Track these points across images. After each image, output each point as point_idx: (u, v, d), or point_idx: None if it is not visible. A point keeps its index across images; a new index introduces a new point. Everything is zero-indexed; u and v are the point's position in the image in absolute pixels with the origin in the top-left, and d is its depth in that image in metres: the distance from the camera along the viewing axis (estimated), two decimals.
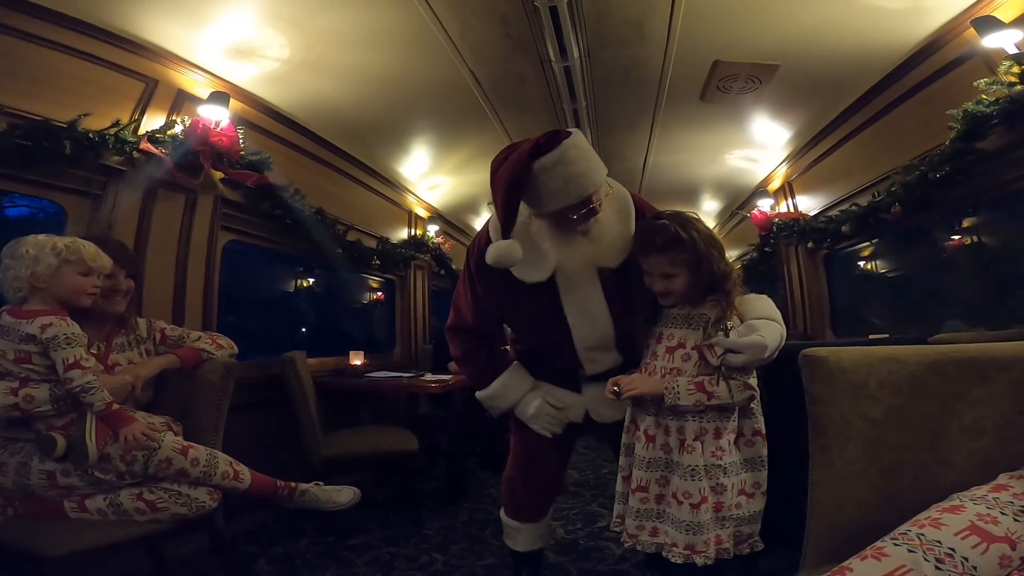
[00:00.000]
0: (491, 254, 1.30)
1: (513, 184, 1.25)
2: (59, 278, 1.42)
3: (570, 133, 1.28)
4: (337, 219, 3.27)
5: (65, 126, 1.83)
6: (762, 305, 1.35)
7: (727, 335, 1.24)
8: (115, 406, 1.41)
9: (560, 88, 2.93)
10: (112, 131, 1.97)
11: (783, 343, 1.27)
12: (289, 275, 3.91)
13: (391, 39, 2.41)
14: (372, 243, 3.77)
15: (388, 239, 4.01)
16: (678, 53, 2.67)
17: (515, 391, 1.61)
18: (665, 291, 1.35)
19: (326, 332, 4.30)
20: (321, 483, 1.74)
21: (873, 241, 3.43)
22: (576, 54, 2.58)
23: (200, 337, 1.78)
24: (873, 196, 2.90)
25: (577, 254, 1.38)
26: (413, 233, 4.47)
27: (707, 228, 1.38)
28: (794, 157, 3.88)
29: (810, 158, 3.69)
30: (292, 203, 2.78)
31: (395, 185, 4.18)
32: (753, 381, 1.29)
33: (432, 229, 4.66)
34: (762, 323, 1.26)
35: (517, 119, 3.33)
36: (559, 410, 1.58)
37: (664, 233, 1.31)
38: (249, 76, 2.57)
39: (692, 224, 1.34)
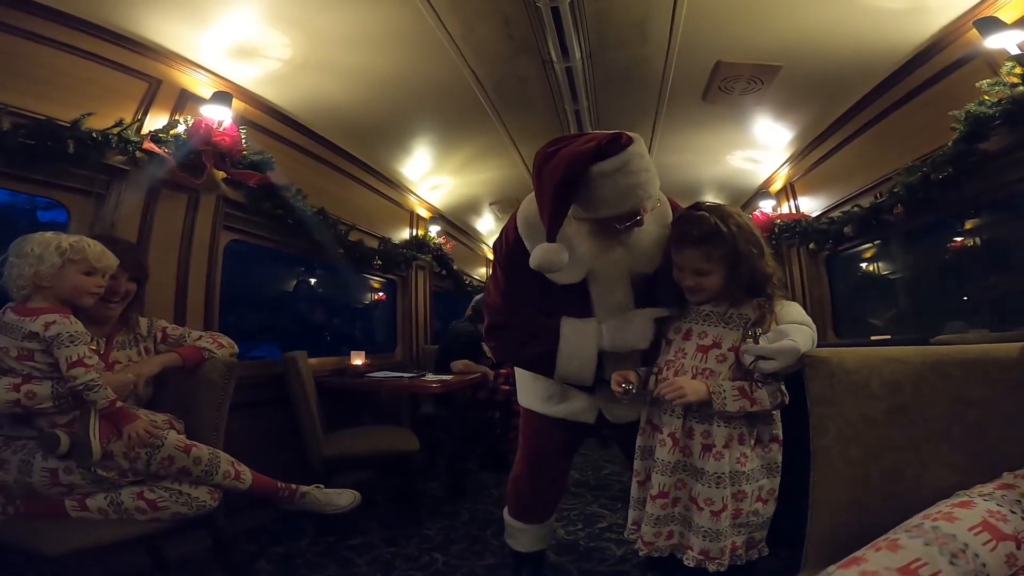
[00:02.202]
0: (537, 257, 1.24)
1: (566, 184, 1.17)
2: (62, 277, 1.42)
3: (633, 139, 1.20)
4: (339, 219, 3.27)
5: (68, 125, 1.83)
6: (794, 311, 1.30)
7: (756, 341, 1.20)
8: (118, 403, 1.42)
9: (562, 89, 2.93)
10: (115, 131, 1.97)
11: (815, 348, 1.21)
12: (291, 275, 3.92)
13: (393, 39, 2.41)
14: (374, 243, 3.76)
15: (390, 239, 4.01)
16: (680, 54, 2.66)
17: (588, 331, 1.40)
18: (695, 287, 1.28)
19: (327, 332, 4.31)
20: (322, 486, 1.74)
21: (875, 242, 3.42)
22: (578, 55, 2.58)
23: (201, 336, 1.78)
24: (875, 197, 2.90)
25: (612, 259, 1.34)
26: (415, 233, 4.47)
27: (750, 223, 1.30)
28: (796, 158, 3.88)
29: (812, 159, 3.69)
30: (294, 203, 2.78)
31: (397, 185, 4.19)
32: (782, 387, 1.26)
33: (434, 229, 4.66)
34: (793, 327, 1.21)
35: (519, 120, 3.33)
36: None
37: (702, 225, 1.24)
38: (251, 76, 2.57)
39: (733, 218, 1.26)
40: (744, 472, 1.22)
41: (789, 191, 4.08)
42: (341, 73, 2.64)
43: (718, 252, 1.24)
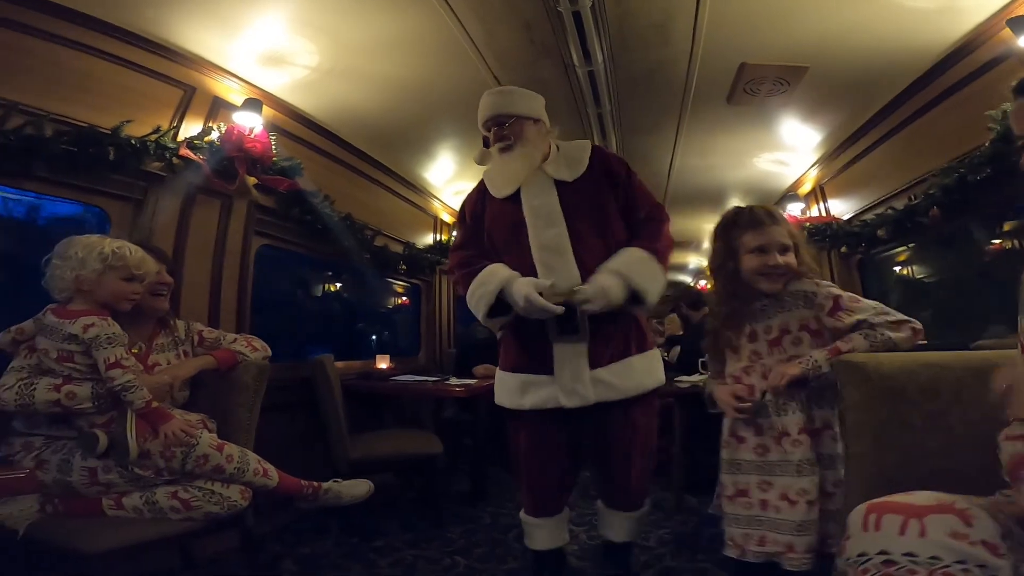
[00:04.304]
0: (476, 157, 1.82)
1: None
2: (102, 283, 1.46)
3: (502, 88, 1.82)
4: (365, 224, 3.31)
5: (109, 132, 1.88)
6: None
7: None
8: (154, 404, 1.45)
9: (584, 92, 2.92)
10: (153, 137, 2.01)
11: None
12: (317, 279, 3.98)
13: (417, 46, 2.45)
14: (398, 248, 3.81)
15: (414, 244, 4.06)
16: (703, 56, 2.64)
17: (500, 273, 1.64)
18: (783, 265, 1.31)
19: (352, 336, 4.37)
20: (339, 479, 1.77)
21: (910, 245, 3.32)
22: (600, 58, 2.58)
23: (236, 339, 1.82)
24: (910, 199, 2.82)
25: (509, 167, 1.68)
26: (438, 238, 4.51)
27: None
28: (826, 160, 3.80)
29: (843, 161, 3.61)
30: (321, 209, 2.83)
31: (421, 191, 4.23)
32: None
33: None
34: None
35: None
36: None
37: (769, 209, 1.37)
38: (280, 83, 2.63)
39: None
40: (831, 455, 1.24)
41: (819, 193, 4.00)
42: (366, 80, 2.68)
43: (789, 233, 1.34)
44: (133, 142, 1.94)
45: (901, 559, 0.65)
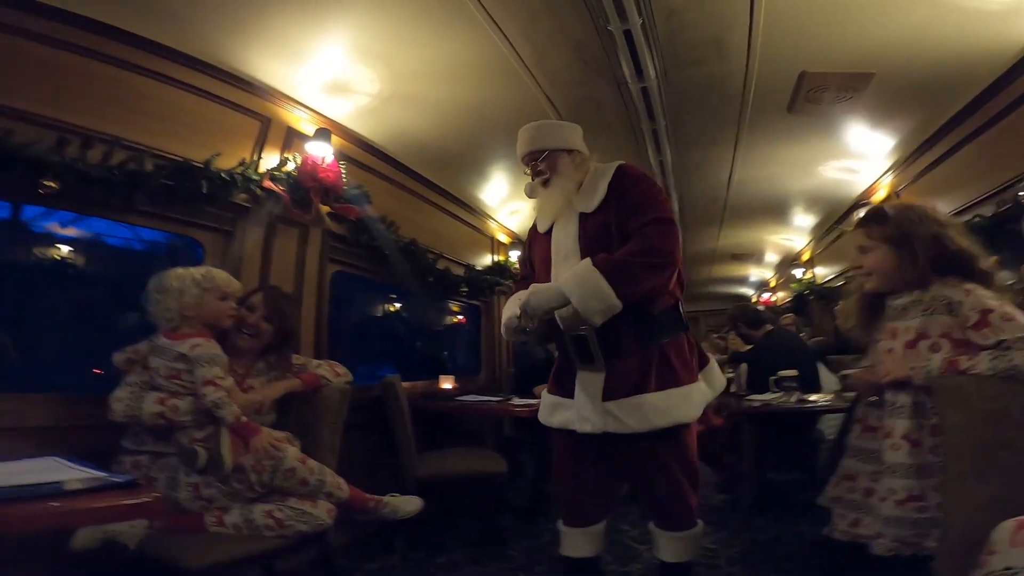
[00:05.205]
0: (526, 190, 1.82)
1: None
2: (203, 305, 1.64)
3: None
4: (428, 248, 3.38)
5: (202, 166, 1.99)
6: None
7: None
8: (243, 419, 1.57)
9: (638, 109, 2.92)
10: (239, 170, 2.13)
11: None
12: (382, 301, 4.15)
13: (471, 70, 2.52)
14: (460, 271, 3.87)
15: (474, 266, 4.13)
16: (760, 67, 2.60)
17: (521, 296, 1.74)
18: (857, 267, 1.35)
19: (414, 356, 4.50)
20: (395, 494, 1.85)
21: (1004, 253, 3.07)
22: (652, 75, 2.58)
23: (320, 365, 1.95)
24: (998, 206, 2.62)
25: (548, 201, 1.73)
26: (495, 259, 4.56)
27: (934, 211, 1.34)
28: (901, 166, 3.59)
29: (919, 166, 3.40)
30: (388, 235, 2.92)
31: (477, 212, 4.30)
32: None
33: (514, 255, 4.74)
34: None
35: (595, 142, 3.25)
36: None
37: (868, 210, 1.38)
38: (344, 111, 2.70)
39: (910, 207, 1.35)
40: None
41: (895, 201, 3.78)
42: (424, 104, 2.75)
43: (879, 229, 1.30)
44: (223, 175, 2.06)
45: None
